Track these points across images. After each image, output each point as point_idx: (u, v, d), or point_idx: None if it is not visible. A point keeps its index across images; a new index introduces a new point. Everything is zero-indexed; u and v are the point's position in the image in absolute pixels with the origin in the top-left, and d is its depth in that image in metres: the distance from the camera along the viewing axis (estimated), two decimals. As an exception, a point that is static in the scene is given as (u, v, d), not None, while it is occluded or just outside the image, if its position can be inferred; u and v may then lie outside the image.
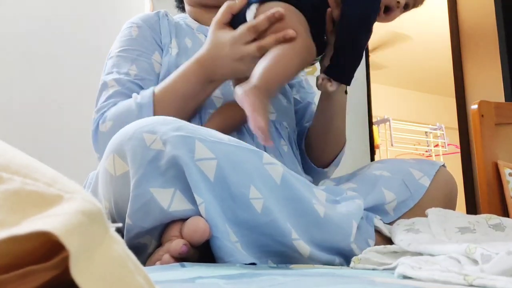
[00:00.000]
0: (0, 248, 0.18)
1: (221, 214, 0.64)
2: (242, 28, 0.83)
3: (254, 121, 0.67)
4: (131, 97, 0.90)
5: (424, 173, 0.91)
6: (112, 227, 0.21)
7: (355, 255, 0.68)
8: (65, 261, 0.19)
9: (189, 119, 0.89)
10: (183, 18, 1.09)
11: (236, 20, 0.85)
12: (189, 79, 0.86)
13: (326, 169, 1.07)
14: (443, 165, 0.97)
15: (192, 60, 0.87)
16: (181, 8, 1.18)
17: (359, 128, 2.40)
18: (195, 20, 1.08)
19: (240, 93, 0.71)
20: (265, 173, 0.68)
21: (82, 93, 1.80)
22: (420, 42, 4.07)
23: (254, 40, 0.82)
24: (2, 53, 1.74)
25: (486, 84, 2.37)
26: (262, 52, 0.81)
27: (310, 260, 0.68)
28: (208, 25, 1.04)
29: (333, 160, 1.06)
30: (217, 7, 1.06)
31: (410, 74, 4.71)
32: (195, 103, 0.89)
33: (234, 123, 0.91)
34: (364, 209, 0.80)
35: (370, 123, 2.48)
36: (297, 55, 0.81)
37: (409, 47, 4.03)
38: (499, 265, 0.44)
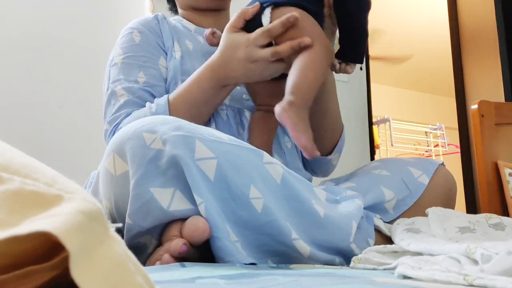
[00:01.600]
0: (0, 248, 0.18)
1: (221, 214, 0.64)
2: (257, 31, 0.82)
3: (297, 140, 0.69)
4: (144, 105, 0.89)
5: (423, 171, 0.92)
6: (112, 227, 0.21)
7: (355, 255, 0.68)
8: (65, 261, 0.19)
9: (204, 123, 0.88)
10: (178, 21, 1.08)
11: (250, 26, 0.84)
12: (202, 85, 0.85)
13: (330, 157, 1.05)
14: (442, 164, 0.97)
15: (204, 66, 0.86)
16: (174, 11, 1.18)
17: (359, 128, 2.40)
18: (191, 22, 1.08)
19: (279, 111, 0.71)
20: (265, 173, 0.69)
21: (82, 94, 1.80)
22: (420, 42, 4.06)
23: (270, 45, 0.82)
24: (2, 54, 1.74)
25: (486, 84, 2.36)
26: (276, 57, 0.81)
27: (310, 260, 0.68)
28: (204, 27, 1.04)
29: (335, 146, 1.05)
30: (208, 10, 1.07)
31: (410, 74, 4.70)
32: (210, 108, 0.89)
33: (273, 133, 0.94)
34: (364, 208, 0.80)
35: (370, 123, 2.48)
36: (321, 58, 0.81)
37: (409, 47, 4.03)
38: (499, 265, 0.44)
